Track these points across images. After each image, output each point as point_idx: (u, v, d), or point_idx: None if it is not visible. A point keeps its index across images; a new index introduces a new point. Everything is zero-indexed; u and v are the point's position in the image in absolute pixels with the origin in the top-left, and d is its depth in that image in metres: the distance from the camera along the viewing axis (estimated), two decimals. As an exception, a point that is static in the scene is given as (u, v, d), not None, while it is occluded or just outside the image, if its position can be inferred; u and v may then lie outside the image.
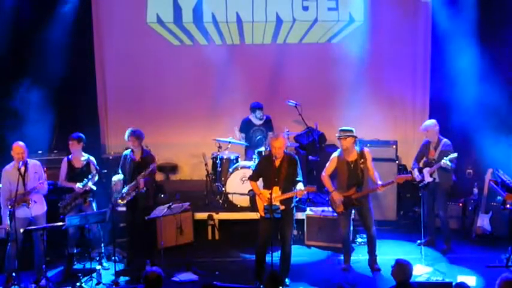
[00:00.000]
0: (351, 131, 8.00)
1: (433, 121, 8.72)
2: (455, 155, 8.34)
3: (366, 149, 8.14)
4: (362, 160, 7.96)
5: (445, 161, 8.29)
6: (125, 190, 8.35)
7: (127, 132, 8.42)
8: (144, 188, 8.32)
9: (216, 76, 11.08)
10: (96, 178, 8.40)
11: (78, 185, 8.21)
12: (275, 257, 7.49)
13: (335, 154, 8.17)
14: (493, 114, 9.92)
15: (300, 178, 7.67)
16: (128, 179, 8.41)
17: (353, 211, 8.29)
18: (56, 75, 10.38)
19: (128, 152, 8.53)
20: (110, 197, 8.49)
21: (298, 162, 7.73)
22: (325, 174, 8.17)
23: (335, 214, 8.35)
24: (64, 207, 8.29)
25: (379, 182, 8.00)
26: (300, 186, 7.60)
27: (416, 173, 8.61)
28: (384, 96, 11.09)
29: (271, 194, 7.42)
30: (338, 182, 8.11)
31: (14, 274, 7.86)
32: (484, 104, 9.90)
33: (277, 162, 7.56)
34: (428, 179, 8.50)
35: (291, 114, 10.28)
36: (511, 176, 9.02)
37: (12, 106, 10.16)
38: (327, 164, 8.22)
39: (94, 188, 8.41)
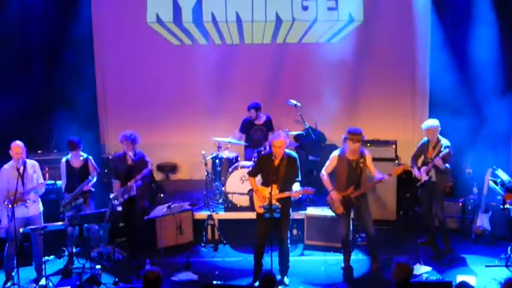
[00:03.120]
0: (362, 135, 7.91)
1: (435, 121, 8.70)
2: (446, 150, 8.34)
3: (366, 151, 8.11)
4: (362, 160, 7.97)
5: (439, 159, 8.30)
6: (117, 193, 8.43)
7: (120, 135, 8.43)
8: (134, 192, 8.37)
9: (216, 76, 11.07)
10: (95, 179, 8.40)
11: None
12: (274, 256, 7.48)
13: (335, 153, 8.13)
14: (493, 114, 9.92)
15: (298, 178, 7.67)
16: (121, 181, 8.42)
17: (351, 211, 8.26)
18: (56, 75, 10.39)
19: (120, 154, 8.53)
20: (109, 196, 8.50)
21: (298, 161, 7.72)
22: (324, 173, 8.14)
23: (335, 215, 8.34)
24: (64, 206, 8.31)
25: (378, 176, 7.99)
26: (296, 187, 7.58)
27: (416, 171, 8.62)
28: (384, 96, 11.10)
29: (270, 193, 7.42)
30: (337, 181, 8.10)
31: (13, 274, 7.86)
32: (484, 104, 9.90)
33: (276, 161, 7.57)
34: (424, 177, 8.50)
35: (291, 114, 10.29)
36: (511, 175, 9.04)
37: (12, 105, 10.18)
38: (327, 163, 8.19)
39: (92, 190, 8.42)
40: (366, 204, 8.12)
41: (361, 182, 7.98)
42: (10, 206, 7.63)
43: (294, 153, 7.81)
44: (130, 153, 8.36)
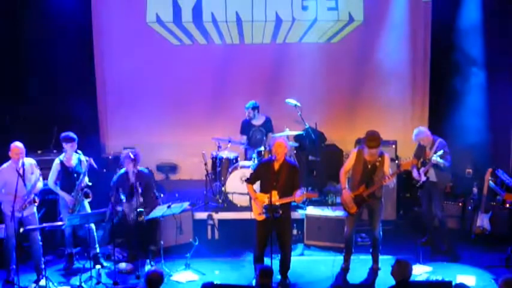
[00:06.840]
0: (379, 141, 7.76)
1: (421, 129, 8.67)
2: (441, 152, 8.33)
3: (386, 153, 8.02)
4: (380, 159, 7.88)
5: (435, 158, 8.29)
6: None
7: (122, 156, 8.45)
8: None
9: (216, 76, 11.09)
10: (86, 179, 8.36)
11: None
12: (275, 259, 7.48)
13: (355, 150, 8.04)
14: (493, 114, 9.92)
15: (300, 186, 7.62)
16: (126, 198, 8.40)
17: (363, 211, 8.19)
18: (56, 75, 10.39)
19: (122, 171, 8.49)
20: (109, 196, 8.49)
21: (299, 171, 7.67)
22: (342, 170, 8.02)
23: (346, 215, 8.29)
24: (73, 209, 8.27)
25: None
26: (299, 191, 7.52)
27: (415, 172, 8.62)
28: (384, 96, 11.10)
29: (270, 194, 7.41)
30: (351, 179, 8.04)
31: (14, 267, 7.82)
32: (484, 104, 9.90)
33: (276, 166, 7.55)
34: (423, 178, 8.50)
35: (290, 114, 10.28)
36: (511, 175, 9.04)
37: (12, 105, 10.18)
38: (346, 160, 8.14)
39: (90, 184, 8.39)
40: (380, 206, 8.03)
41: (373, 180, 7.89)
42: (19, 212, 7.63)
43: (295, 163, 7.79)
44: (132, 172, 8.35)
